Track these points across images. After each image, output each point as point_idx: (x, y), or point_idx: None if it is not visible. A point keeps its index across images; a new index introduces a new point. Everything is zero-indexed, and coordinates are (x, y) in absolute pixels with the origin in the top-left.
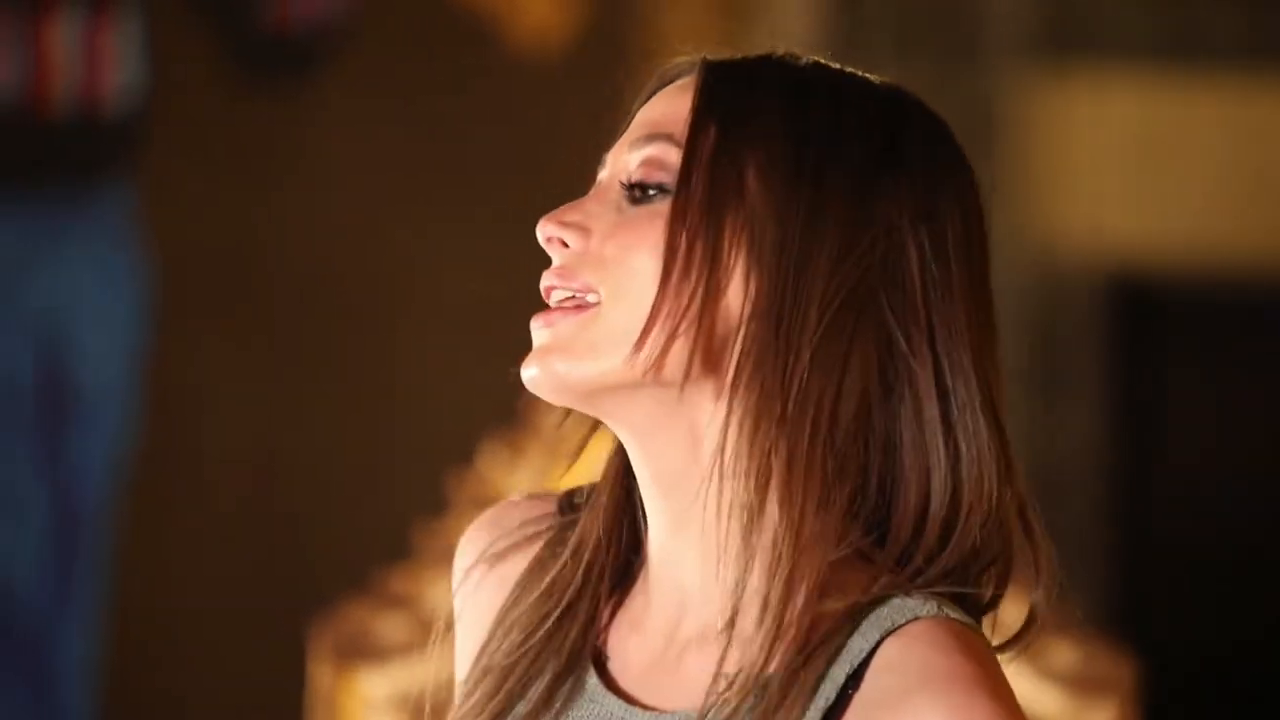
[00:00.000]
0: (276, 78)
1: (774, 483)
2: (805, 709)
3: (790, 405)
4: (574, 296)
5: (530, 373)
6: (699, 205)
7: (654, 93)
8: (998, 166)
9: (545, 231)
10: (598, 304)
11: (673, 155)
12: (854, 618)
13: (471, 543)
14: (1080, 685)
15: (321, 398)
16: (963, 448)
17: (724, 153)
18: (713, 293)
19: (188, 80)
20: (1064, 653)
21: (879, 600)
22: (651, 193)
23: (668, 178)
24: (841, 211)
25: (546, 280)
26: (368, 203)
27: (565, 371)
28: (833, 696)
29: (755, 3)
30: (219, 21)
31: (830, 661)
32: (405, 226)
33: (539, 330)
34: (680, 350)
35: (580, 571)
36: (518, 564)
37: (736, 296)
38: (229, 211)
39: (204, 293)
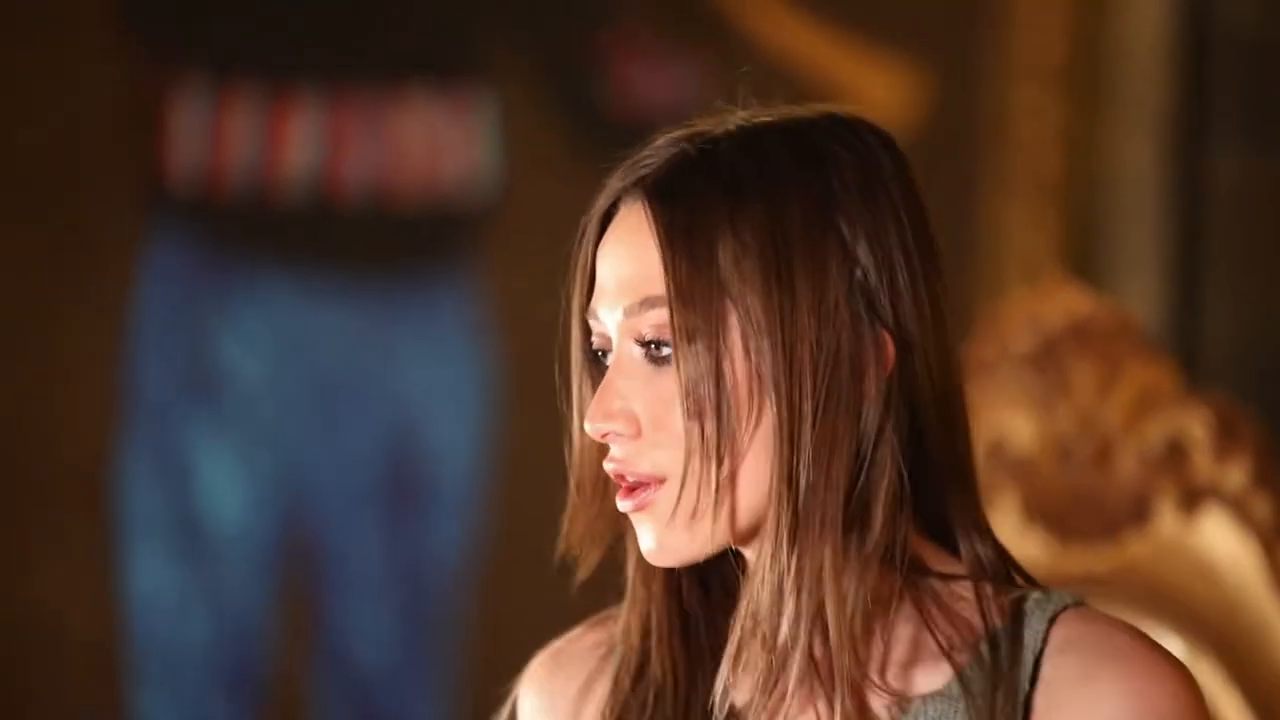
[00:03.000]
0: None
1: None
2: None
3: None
4: (644, 486)
5: (655, 552)
6: (701, 354)
7: (603, 227)
8: None
9: (597, 430)
10: (666, 479)
11: (664, 311)
12: (1012, 613)
13: (543, 681)
14: None
15: None
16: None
17: (703, 295)
18: (743, 426)
19: (533, 166)
20: None
21: (1021, 597)
22: (667, 352)
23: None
24: (810, 291)
25: (614, 468)
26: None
27: (687, 545)
28: (1027, 683)
29: (1099, 78)
30: (565, 108)
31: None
32: None
33: (636, 515)
34: (749, 487)
35: (668, 657)
36: (603, 688)
37: (761, 415)
38: None
39: (550, 377)
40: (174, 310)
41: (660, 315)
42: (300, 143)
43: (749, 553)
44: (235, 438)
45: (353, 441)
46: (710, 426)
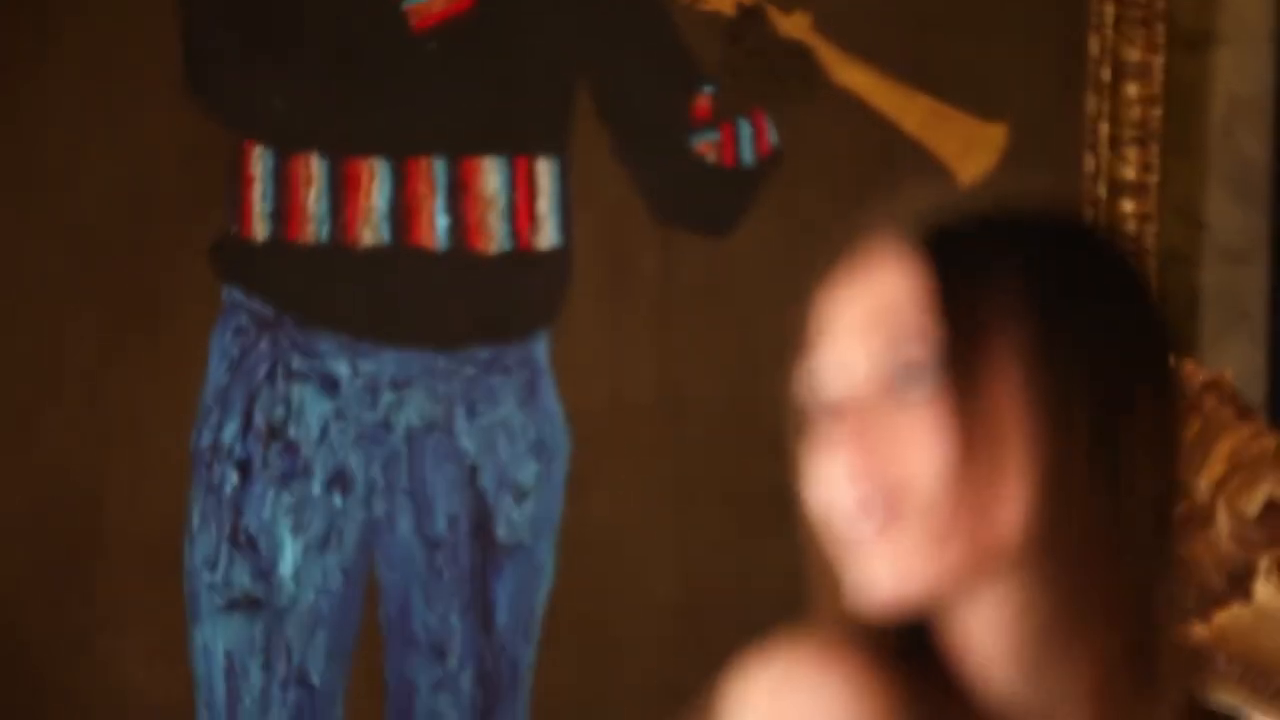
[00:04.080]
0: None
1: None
2: None
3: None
4: (888, 509)
5: (887, 584)
6: (968, 397)
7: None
8: None
9: (838, 454)
10: (911, 511)
11: (922, 352)
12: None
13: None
14: None
15: (743, 537)
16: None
17: (967, 317)
18: (1008, 448)
19: (609, 236)
20: None
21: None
22: (913, 387)
23: (927, 373)
24: (1076, 325)
25: (850, 497)
26: (790, 339)
27: (925, 576)
28: None
29: (1192, 140)
30: (641, 177)
31: None
32: None
33: (873, 549)
34: (1005, 513)
35: None
36: None
37: (1026, 439)
38: (650, 358)
39: (620, 439)
40: (245, 377)
41: (911, 349)
42: (370, 210)
43: (987, 605)
44: (307, 505)
45: (427, 508)
46: (974, 445)
